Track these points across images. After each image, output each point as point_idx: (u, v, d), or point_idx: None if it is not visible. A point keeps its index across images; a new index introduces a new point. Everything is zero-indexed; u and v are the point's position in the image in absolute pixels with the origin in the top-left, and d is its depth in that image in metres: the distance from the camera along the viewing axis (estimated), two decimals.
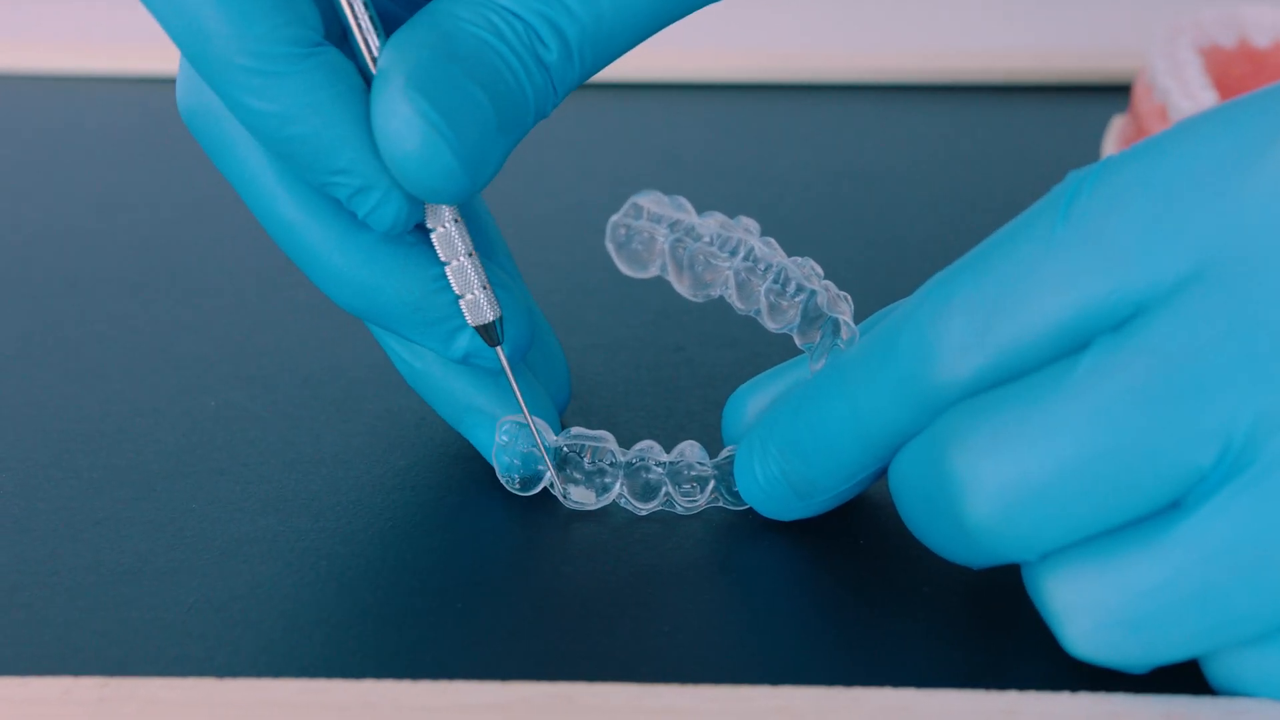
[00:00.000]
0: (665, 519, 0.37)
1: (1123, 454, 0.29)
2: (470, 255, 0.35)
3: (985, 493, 0.30)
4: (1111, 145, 0.56)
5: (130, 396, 0.43)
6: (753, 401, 0.37)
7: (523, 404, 0.37)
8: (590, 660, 0.32)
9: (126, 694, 0.31)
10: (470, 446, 0.40)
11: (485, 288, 0.35)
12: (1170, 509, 0.29)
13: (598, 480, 0.37)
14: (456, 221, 0.35)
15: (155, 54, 0.69)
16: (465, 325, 0.36)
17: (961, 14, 0.77)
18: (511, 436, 0.37)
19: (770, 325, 0.36)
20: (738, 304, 0.36)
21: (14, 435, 0.41)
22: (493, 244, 0.40)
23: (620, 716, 0.31)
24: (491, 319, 0.36)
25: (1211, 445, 0.28)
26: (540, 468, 0.37)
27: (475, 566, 0.35)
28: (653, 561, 0.36)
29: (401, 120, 0.32)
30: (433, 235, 0.35)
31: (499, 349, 0.36)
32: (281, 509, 0.37)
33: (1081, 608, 0.30)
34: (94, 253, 0.52)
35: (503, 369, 0.36)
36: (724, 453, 0.37)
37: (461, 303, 0.35)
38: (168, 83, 0.68)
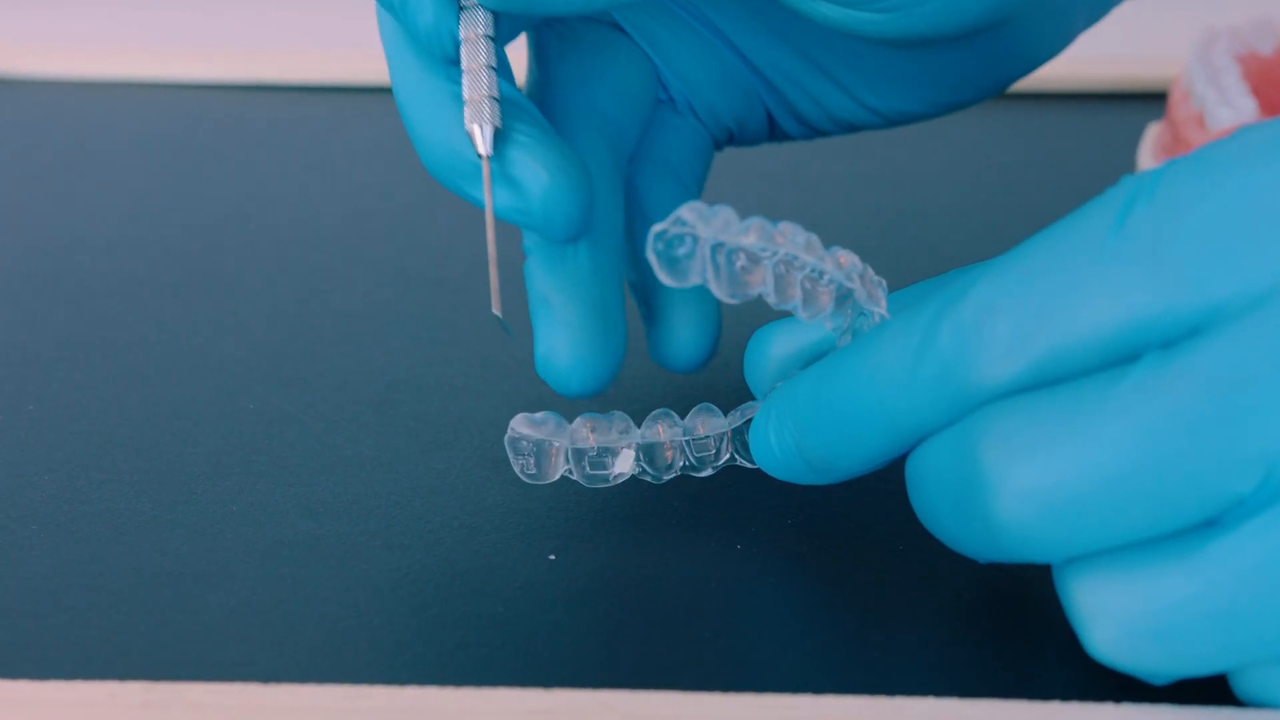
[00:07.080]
0: (707, 527, 0.37)
1: (1162, 473, 0.28)
2: (491, 69, 0.35)
3: (1018, 494, 0.30)
4: (1147, 152, 0.56)
5: (170, 399, 0.43)
6: (777, 343, 0.37)
7: (490, 213, 0.36)
8: (632, 668, 0.32)
9: (171, 698, 0.31)
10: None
11: (494, 99, 0.35)
12: (1205, 525, 0.29)
13: (611, 456, 0.37)
14: (489, 37, 0.35)
15: (192, 60, 0.69)
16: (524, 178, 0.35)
17: None
18: (525, 428, 0.37)
19: (804, 315, 0.35)
20: (774, 300, 0.36)
21: (55, 438, 0.41)
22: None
23: None
24: (482, 127, 0.35)
25: (1253, 473, 0.28)
26: (555, 443, 0.37)
27: (516, 571, 0.35)
28: (695, 570, 0.36)
29: None
30: (463, 44, 0.35)
31: (484, 162, 0.35)
32: (321, 512, 0.38)
33: (1108, 614, 0.29)
34: (133, 257, 0.53)
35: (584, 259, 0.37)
36: (736, 411, 0.36)
37: (466, 107, 0.35)
38: (205, 88, 0.68)
